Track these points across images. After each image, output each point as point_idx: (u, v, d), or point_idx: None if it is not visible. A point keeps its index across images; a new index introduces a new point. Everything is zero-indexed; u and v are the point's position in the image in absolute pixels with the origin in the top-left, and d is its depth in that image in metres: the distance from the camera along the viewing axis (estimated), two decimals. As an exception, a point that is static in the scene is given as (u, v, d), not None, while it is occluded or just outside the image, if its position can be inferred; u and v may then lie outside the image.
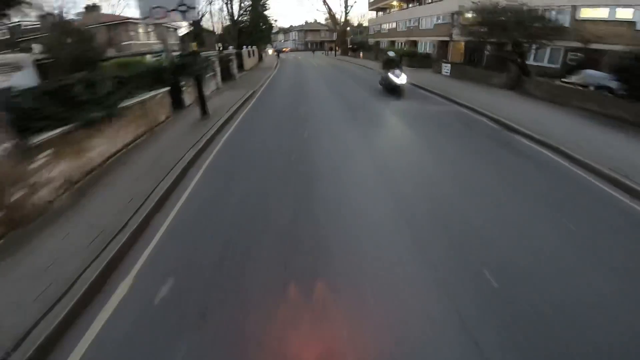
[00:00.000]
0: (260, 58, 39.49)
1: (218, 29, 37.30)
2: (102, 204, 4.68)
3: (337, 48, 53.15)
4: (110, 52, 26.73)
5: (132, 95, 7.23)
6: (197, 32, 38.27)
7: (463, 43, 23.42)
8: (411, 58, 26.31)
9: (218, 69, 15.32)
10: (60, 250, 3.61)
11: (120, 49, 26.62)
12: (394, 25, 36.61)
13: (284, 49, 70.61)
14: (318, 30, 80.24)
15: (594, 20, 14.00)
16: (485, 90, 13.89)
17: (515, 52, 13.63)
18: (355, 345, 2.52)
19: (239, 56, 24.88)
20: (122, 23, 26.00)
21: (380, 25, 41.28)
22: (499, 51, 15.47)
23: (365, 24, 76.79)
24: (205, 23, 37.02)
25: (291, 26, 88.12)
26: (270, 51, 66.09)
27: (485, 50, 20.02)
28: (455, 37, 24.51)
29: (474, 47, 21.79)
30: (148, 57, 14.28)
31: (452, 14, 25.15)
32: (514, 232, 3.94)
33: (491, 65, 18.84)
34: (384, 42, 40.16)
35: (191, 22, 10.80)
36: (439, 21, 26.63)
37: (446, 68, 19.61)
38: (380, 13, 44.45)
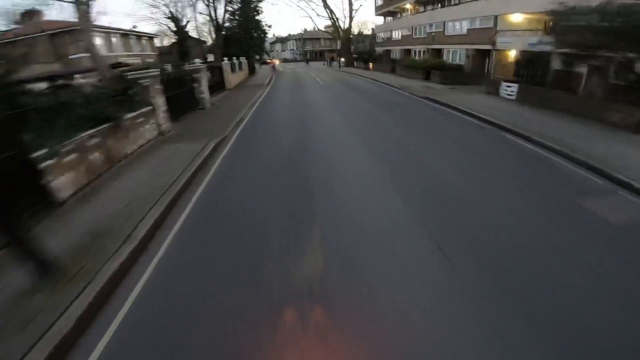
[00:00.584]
0: (253, 71, 33.92)
1: (210, 38, 31.85)
2: None
3: (339, 58, 47.80)
4: (53, 68, 21.10)
5: None
6: (181, 39, 32.77)
7: (515, 52, 17.75)
8: (442, 72, 20.59)
9: (161, 99, 9.23)
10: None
11: (69, 64, 20.89)
12: (408, 31, 31.14)
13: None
14: (318, 39, 75.29)
15: None
16: (620, 136, 8.04)
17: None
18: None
19: (216, 72, 19.06)
20: (70, 30, 20.32)
21: (391, 31, 35.83)
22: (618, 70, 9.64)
23: (366, 32, 72.16)
24: (194, 31, 31.55)
25: (289, 35, 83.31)
26: (271, 62, 60.78)
27: (550, 63, 14.28)
28: (497, 46, 18.87)
29: (531, 58, 16.07)
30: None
31: (495, 16, 19.62)
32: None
33: (557, 83, 13.13)
34: (397, 52, 34.73)
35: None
36: (476, 25, 21.02)
37: (509, 89, 13.82)
38: (388, 18, 39.15)
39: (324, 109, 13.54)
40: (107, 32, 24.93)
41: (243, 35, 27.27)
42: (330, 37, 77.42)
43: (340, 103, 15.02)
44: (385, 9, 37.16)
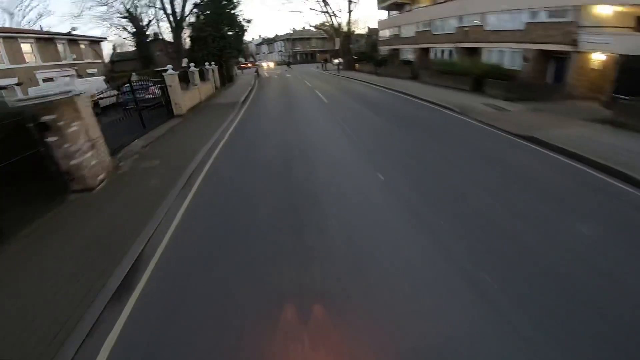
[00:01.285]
0: (230, 79, 26.86)
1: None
2: None
3: (337, 60, 41.12)
4: None
5: None
6: (141, 43, 25.39)
7: (602, 56, 11.41)
8: (502, 82, 14.05)
9: None
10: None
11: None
12: (425, 26, 24.66)
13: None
14: (308, 39, 68.52)
15: None
16: None
17: None
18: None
19: (159, 90, 12.11)
20: None
21: (399, 27, 29.30)
22: None
23: (358, 31, 65.73)
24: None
25: (276, 35, 76.30)
26: (252, 65, 53.33)
27: None
28: (582, 46, 12.56)
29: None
30: None
31: (577, 7, 13.17)
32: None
33: None
34: (406, 51, 28.25)
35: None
36: (540, 18, 14.62)
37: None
38: (393, 13, 32.72)
39: (357, 174, 6.62)
40: (11, 36, 17.67)
41: (211, 34, 20.31)
42: (324, 36, 70.99)
43: (378, 150, 8.04)
44: (391, 1, 30.71)
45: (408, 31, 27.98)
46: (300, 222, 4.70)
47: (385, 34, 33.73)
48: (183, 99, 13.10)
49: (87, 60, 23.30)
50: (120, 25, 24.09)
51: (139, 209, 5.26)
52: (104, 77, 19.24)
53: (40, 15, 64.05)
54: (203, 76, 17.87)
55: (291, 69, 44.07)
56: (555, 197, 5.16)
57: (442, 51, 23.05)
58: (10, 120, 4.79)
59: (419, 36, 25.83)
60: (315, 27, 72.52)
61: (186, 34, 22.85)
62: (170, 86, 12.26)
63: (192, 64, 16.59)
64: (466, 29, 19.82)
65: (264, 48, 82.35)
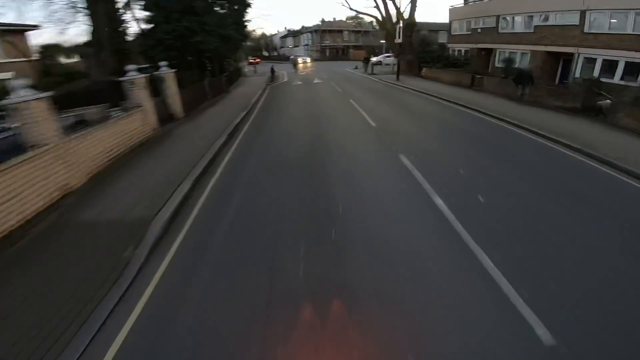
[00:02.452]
0: (216, 93, 17.47)
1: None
2: None
3: (372, 58, 31.27)
4: None
5: None
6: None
7: None
8: None
9: None
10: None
11: None
12: (550, 16, 14.66)
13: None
14: (340, 31, 58.53)
15: None
16: None
17: None
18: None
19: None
20: None
21: (498, 18, 19.21)
22: None
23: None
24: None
25: (303, 27, 66.78)
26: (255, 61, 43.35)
27: None
28: None
29: None
30: None
31: None
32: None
33: None
34: (501, 53, 18.23)
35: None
36: None
37: None
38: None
39: None
40: None
41: (181, 15, 11.25)
42: (357, 29, 60.77)
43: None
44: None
45: (515, 22, 17.95)
46: None
47: (460, 27, 23.61)
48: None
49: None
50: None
51: None
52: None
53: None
54: (120, 96, 8.28)
55: (300, 71, 32.94)
56: None
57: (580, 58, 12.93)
58: None
59: (546, 33, 15.71)
60: (359, 13, 62.23)
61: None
62: None
63: (133, 68, 7.63)
64: None
65: (289, 41, 73.06)
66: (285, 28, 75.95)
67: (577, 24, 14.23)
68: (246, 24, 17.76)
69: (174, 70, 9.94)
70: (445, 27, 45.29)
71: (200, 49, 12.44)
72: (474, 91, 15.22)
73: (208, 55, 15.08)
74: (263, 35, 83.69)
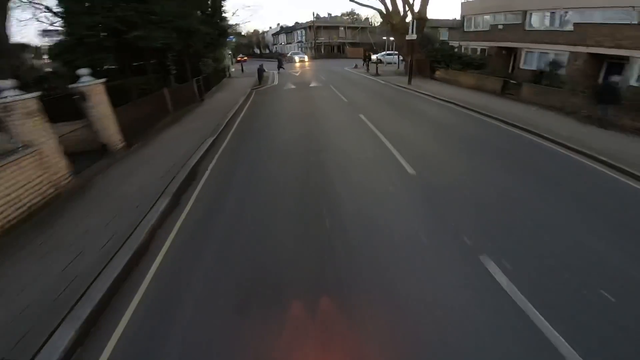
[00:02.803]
0: (192, 100, 14.04)
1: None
2: None
3: (368, 55, 28.21)
4: None
5: None
6: None
7: None
8: None
9: None
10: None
11: None
12: (596, 13, 11.83)
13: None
14: (335, 27, 55.33)
15: None
16: None
17: None
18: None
19: None
20: None
21: (525, 13, 16.30)
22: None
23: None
24: None
25: (296, 23, 63.28)
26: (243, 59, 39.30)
27: None
28: None
29: None
30: None
31: None
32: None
33: None
34: (528, 53, 15.36)
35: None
36: None
37: None
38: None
39: None
40: None
41: (116, 3, 8.09)
42: (354, 25, 57.58)
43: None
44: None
45: (552, 19, 15.05)
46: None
47: (475, 23, 20.70)
48: None
49: None
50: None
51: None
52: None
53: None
54: None
55: (307, 66, 30.22)
56: None
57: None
58: None
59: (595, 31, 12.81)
60: (360, 4, 59.23)
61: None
62: None
63: (8, 85, 4.52)
64: None
65: (282, 38, 69.52)
66: (278, 24, 72.37)
67: (637, 22, 11.43)
68: (225, 15, 14.57)
69: (102, 80, 6.73)
70: (448, 24, 42.66)
71: (141, 47, 9.09)
72: (510, 100, 12.28)
73: (175, 55, 11.88)
74: (255, 32, 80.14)
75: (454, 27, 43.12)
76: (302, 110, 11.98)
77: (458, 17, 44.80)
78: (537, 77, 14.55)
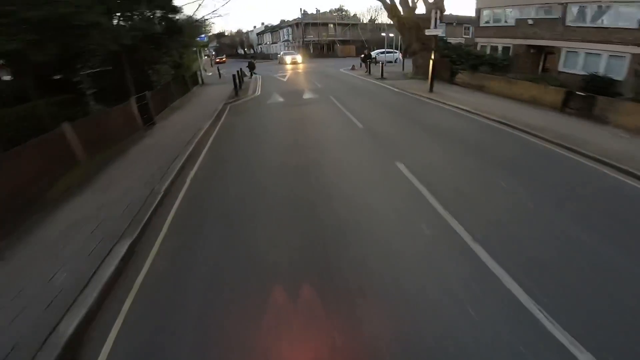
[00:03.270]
0: (129, 132, 10.41)
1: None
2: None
3: (367, 54, 25.27)
4: None
5: None
6: None
7: None
8: None
9: None
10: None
11: None
12: None
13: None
14: (325, 25, 52.14)
15: None
16: None
17: None
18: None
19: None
20: None
21: (566, 7, 13.61)
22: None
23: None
24: None
25: (282, 21, 59.69)
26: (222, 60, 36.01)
27: None
28: None
29: None
30: None
31: None
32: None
33: None
34: (569, 53, 12.70)
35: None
36: None
37: None
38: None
39: None
40: None
41: None
42: (345, 22, 54.23)
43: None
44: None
45: (605, 13, 12.34)
46: None
47: (495, 17, 17.98)
48: None
49: None
50: None
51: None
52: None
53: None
54: None
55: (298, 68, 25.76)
56: None
57: None
58: None
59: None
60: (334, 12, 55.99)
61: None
62: None
63: None
64: None
65: (267, 37, 65.86)
66: (262, 24, 68.56)
67: None
68: (174, 7, 11.26)
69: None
70: (451, 20, 39.81)
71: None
72: (578, 118, 9.41)
73: (110, 62, 8.35)
74: (239, 32, 76.18)
75: (451, 22, 40.68)
76: (294, 149, 7.45)
77: (455, 13, 42.43)
78: (588, 83, 11.89)
